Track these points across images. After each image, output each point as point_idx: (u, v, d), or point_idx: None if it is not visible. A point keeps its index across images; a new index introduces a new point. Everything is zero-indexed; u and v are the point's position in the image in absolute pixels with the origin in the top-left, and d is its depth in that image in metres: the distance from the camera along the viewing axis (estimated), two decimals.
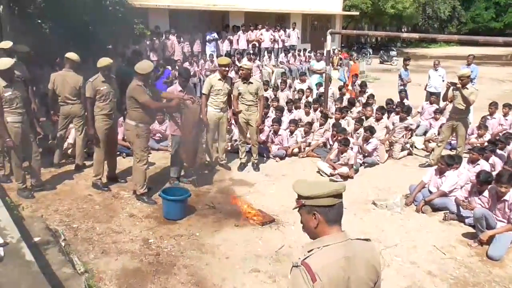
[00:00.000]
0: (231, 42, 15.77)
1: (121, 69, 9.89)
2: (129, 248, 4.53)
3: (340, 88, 11.01)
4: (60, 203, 5.49)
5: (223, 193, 6.18)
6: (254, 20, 16.83)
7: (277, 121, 8.09)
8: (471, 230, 5.20)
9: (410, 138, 8.63)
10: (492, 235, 4.84)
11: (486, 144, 7.88)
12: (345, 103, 9.98)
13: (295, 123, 8.23)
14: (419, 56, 30.49)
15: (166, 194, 5.21)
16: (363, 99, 10.39)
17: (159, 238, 4.79)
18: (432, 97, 10.23)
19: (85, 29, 8.39)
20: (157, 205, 5.54)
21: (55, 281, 3.52)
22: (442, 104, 9.80)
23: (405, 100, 10.22)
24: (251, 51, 14.91)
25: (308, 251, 1.83)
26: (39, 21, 8.39)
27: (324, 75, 12.30)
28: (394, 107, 9.37)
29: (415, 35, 8.71)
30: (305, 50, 17.33)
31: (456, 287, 4.21)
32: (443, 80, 10.81)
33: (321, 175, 7.05)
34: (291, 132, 8.10)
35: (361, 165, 7.45)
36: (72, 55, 6.42)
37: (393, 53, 24.89)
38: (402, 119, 8.31)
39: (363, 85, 11.10)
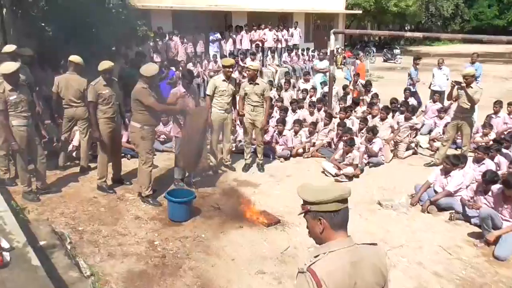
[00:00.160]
0: (234, 42, 15.76)
1: (125, 71, 9.94)
2: (134, 251, 4.53)
3: (344, 88, 10.98)
4: (66, 206, 5.51)
5: (228, 194, 6.18)
6: (257, 20, 16.82)
7: (282, 121, 8.07)
8: (477, 230, 5.17)
9: (415, 137, 8.59)
10: (499, 235, 4.82)
11: (491, 143, 7.85)
12: (349, 102, 9.96)
13: (299, 123, 8.22)
14: (423, 54, 30.18)
15: (171, 196, 5.22)
16: (367, 98, 10.37)
17: (165, 240, 4.80)
18: (435, 95, 10.19)
19: (88, 32, 8.40)
20: (162, 207, 5.55)
21: (61, 285, 3.54)
22: (446, 103, 9.76)
23: (410, 99, 10.18)
24: (254, 51, 14.91)
25: (315, 257, 1.83)
26: (43, 24, 8.42)
27: (327, 74, 12.33)
28: (399, 106, 9.32)
29: (419, 34, 8.66)
30: (308, 49, 17.30)
31: None
32: (447, 79, 10.76)
33: (326, 175, 7.04)
34: (296, 133, 8.09)
35: (366, 165, 7.43)
36: (75, 58, 6.44)
37: (397, 51, 24.77)
38: (407, 119, 8.27)
39: (368, 84, 11.05)
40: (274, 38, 16.36)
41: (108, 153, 6.01)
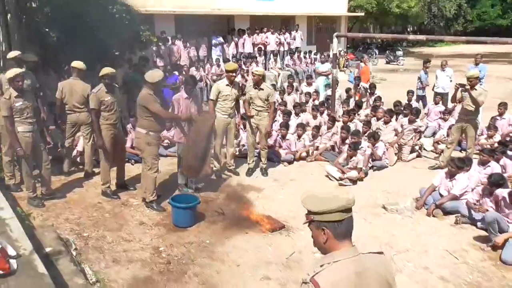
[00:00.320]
0: (236, 46, 15.79)
1: (128, 75, 9.96)
2: (139, 257, 4.53)
3: (347, 91, 10.97)
4: (70, 212, 5.52)
5: (232, 199, 6.18)
6: (259, 23, 16.84)
7: (285, 125, 8.07)
8: (483, 233, 5.15)
9: (418, 140, 8.56)
10: (507, 238, 4.79)
11: (496, 145, 7.82)
12: (352, 105, 9.94)
13: (302, 127, 8.21)
14: (426, 55, 30.22)
15: (176, 202, 5.22)
16: (371, 100, 10.35)
17: (169, 246, 4.79)
18: (437, 97, 10.15)
19: (92, 37, 8.42)
20: (167, 213, 5.55)
21: None
22: (450, 105, 9.73)
23: (417, 103, 10.16)
24: (257, 55, 14.93)
25: (320, 266, 1.82)
26: (47, 29, 8.44)
27: (330, 76, 12.33)
28: (402, 109, 9.30)
29: (422, 37, 8.67)
30: (310, 52, 17.30)
31: None
32: (451, 81, 10.73)
33: (330, 179, 7.02)
34: (299, 136, 8.08)
35: (370, 168, 7.42)
36: (78, 64, 6.46)
37: (399, 53, 24.73)
38: (411, 121, 8.25)
39: (372, 87, 11.04)
40: (277, 42, 16.38)
41: (110, 159, 6.02)
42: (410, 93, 10.33)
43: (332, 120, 8.49)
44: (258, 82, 6.73)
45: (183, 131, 6.08)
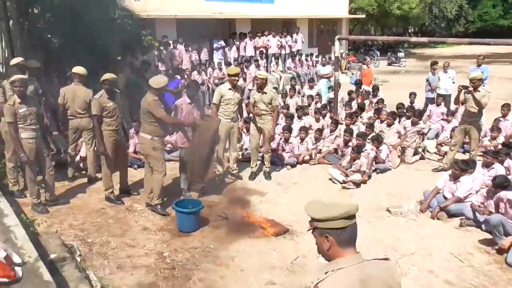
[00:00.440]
0: (238, 49, 15.81)
1: (130, 80, 9.98)
2: (144, 262, 4.52)
3: (349, 93, 10.96)
4: (74, 218, 5.52)
5: (235, 203, 6.17)
6: (261, 26, 16.87)
7: (288, 128, 8.06)
8: (489, 236, 5.12)
9: (421, 142, 8.54)
10: None
11: (499, 147, 7.79)
12: (354, 108, 9.93)
13: (305, 130, 8.20)
14: (427, 56, 30.26)
15: (179, 207, 5.21)
16: (374, 100, 10.33)
17: (174, 251, 4.79)
18: (439, 99, 10.12)
19: (94, 42, 8.45)
20: (170, 218, 5.54)
21: None
22: (453, 107, 9.70)
23: (415, 104, 10.12)
24: (259, 58, 14.95)
25: (324, 273, 1.81)
26: (49, 35, 8.48)
27: (332, 79, 12.33)
28: (405, 111, 9.28)
29: (425, 39, 8.65)
30: (311, 55, 17.32)
31: None
32: (453, 82, 10.72)
33: (334, 182, 7.01)
34: (302, 140, 8.07)
35: (373, 171, 7.40)
36: (79, 70, 6.47)
37: (401, 54, 24.72)
38: (414, 123, 8.23)
39: (375, 89, 11.03)
40: (278, 45, 16.39)
41: (112, 165, 6.01)
42: (412, 95, 10.30)
43: (335, 123, 8.49)
44: (262, 85, 6.74)
45: (186, 136, 6.08)
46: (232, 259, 4.66)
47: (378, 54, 24.47)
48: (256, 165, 7.19)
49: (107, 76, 5.83)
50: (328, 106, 9.77)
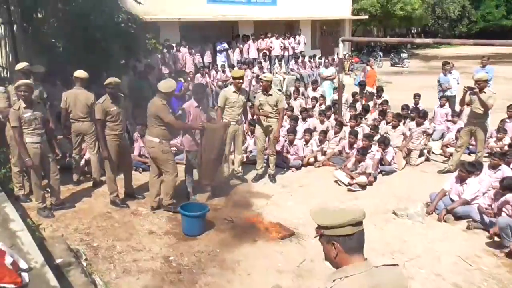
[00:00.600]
0: (241, 52, 15.81)
1: (134, 83, 10.00)
2: (150, 267, 4.51)
3: (353, 95, 10.92)
4: (80, 222, 5.51)
5: (241, 206, 6.15)
6: (264, 28, 16.86)
7: (292, 131, 8.04)
8: (496, 239, 5.08)
9: (427, 142, 8.49)
10: None
11: (506, 148, 7.75)
12: (359, 109, 9.90)
13: (310, 132, 8.18)
14: (431, 57, 30.23)
15: (185, 210, 5.20)
16: (378, 102, 10.29)
17: (180, 255, 4.77)
18: (442, 99, 10.06)
19: (98, 47, 8.46)
20: (176, 221, 5.52)
21: None
22: (457, 108, 9.65)
23: (420, 105, 10.07)
24: (262, 60, 14.94)
25: (332, 281, 1.79)
26: (53, 40, 8.49)
27: (335, 80, 12.30)
28: (409, 112, 9.24)
29: (429, 40, 8.61)
30: (314, 56, 17.30)
31: None
32: (457, 83, 10.66)
33: (339, 184, 6.98)
34: (306, 142, 8.05)
35: (379, 173, 7.37)
36: (80, 73, 6.46)
37: (404, 55, 24.66)
38: (418, 124, 8.20)
39: (379, 90, 10.99)
40: (281, 46, 16.38)
41: (116, 170, 6.01)
42: (417, 96, 10.26)
43: (340, 124, 8.46)
44: (267, 88, 6.73)
45: (194, 140, 6.10)
46: (238, 263, 4.64)
47: (381, 55, 24.41)
48: (262, 167, 7.17)
49: (111, 80, 5.82)
50: (332, 108, 9.74)
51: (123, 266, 4.51)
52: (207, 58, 14.73)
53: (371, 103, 10.51)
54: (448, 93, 10.60)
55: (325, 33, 21.61)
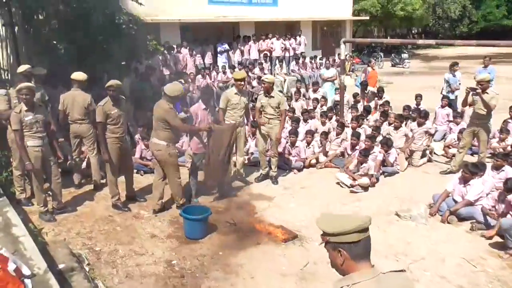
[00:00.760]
0: (242, 53, 15.79)
1: (135, 85, 10.00)
2: (153, 271, 4.48)
3: (354, 96, 10.90)
4: (82, 225, 5.48)
5: (243, 208, 6.13)
6: (264, 29, 16.84)
7: (294, 132, 8.01)
8: (500, 240, 5.05)
9: (430, 143, 8.47)
10: None
11: (509, 148, 7.73)
12: (360, 110, 9.87)
13: (311, 134, 8.15)
14: (431, 57, 30.21)
15: (187, 213, 5.17)
16: (379, 102, 10.27)
17: (182, 259, 4.74)
18: (443, 100, 10.02)
19: (100, 48, 8.44)
20: (178, 225, 5.50)
21: None
22: (459, 109, 9.62)
23: (421, 106, 10.03)
24: (263, 61, 14.92)
25: None
26: (54, 42, 8.47)
27: (336, 82, 12.27)
28: (411, 113, 9.20)
29: (432, 41, 8.55)
30: (315, 57, 17.27)
31: None
32: (459, 83, 10.63)
33: (341, 186, 6.95)
34: (308, 143, 8.02)
35: (381, 174, 7.34)
36: (77, 75, 6.42)
37: (405, 55, 24.64)
38: (420, 125, 8.19)
39: (380, 91, 10.97)
40: (282, 47, 16.36)
41: (117, 173, 5.99)
42: (418, 97, 10.23)
43: (341, 125, 8.43)
44: (268, 89, 6.71)
45: (202, 142, 6.12)
46: (241, 267, 4.61)
47: (382, 56, 24.38)
48: (266, 167, 7.14)
49: (112, 82, 5.79)
50: (334, 109, 9.72)
51: (126, 270, 4.48)
52: (208, 59, 14.71)
53: (372, 104, 10.48)
54: (450, 94, 10.57)
55: (326, 33, 21.58)
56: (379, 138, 7.92)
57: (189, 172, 6.32)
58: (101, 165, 6.59)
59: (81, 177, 6.81)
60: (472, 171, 5.79)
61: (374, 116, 9.63)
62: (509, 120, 8.63)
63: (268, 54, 15.64)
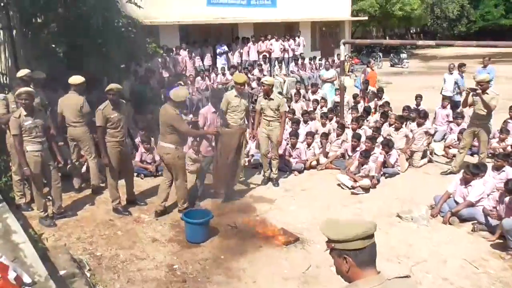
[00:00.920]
0: (241, 54, 15.78)
1: (135, 87, 9.95)
2: (154, 276, 4.46)
3: (354, 97, 10.88)
4: (82, 230, 5.46)
5: (244, 211, 6.10)
6: (263, 30, 16.82)
7: (294, 134, 7.99)
8: (501, 240, 5.03)
9: (429, 144, 8.46)
10: None
11: (509, 148, 7.72)
12: (360, 111, 9.85)
13: (312, 135, 8.13)
14: (430, 57, 30.22)
15: (188, 217, 5.15)
16: (379, 103, 10.26)
17: (184, 263, 4.72)
18: (446, 101, 10.01)
19: (99, 52, 8.42)
20: (179, 228, 5.48)
21: None
22: (459, 109, 9.60)
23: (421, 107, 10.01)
24: (262, 62, 14.91)
25: None
26: (53, 45, 8.44)
27: (335, 83, 12.26)
28: (410, 113, 9.18)
29: (432, 42, 8.56)
30: (314, 58, 17.26)
31: None
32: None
33: (342, 188, 6.93)
34: (308, 145, 8.00)
35: (382, 175, 7.33)
36: (73, 80, 6.39)
37: (404, 55, 24.63)
38: (419, 125, 8.18)
39: (380, 91, 10.95)
40: (281, 48, 16.34)
41: (117, 177, 5.97)
42: (418, 97, 10.21)
43: (341, 127, 8.41)
44: (268, 92, 6.69)
45: (210, 145, 6.15)
46: (243, 271, 4.59)
47: (381, 56, 24.37)
48: (268, 169, 7.12)
49: (112, 86, 5.76)
50: (334, 110, 9.70)
51: (127, 275, 4.46)
52: (207, 61, 14.69)
53: (372, 104, 10.47)
54: (448, 93, 10.57)
55: (325, 34, 21.56)
56: (380, 139, 7.91)
57: (197, 175, 6.31)
58: (101, 169, 6.57)
59: (81, 181, 6.78)
60: (474, 172, 5.78)
61: (374, 117, 9.62)
62: (509, 120, 8.63)
63: (267, 55, 15.62)
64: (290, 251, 5.02)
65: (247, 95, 6.93)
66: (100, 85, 8.00)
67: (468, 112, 8.45)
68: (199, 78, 12.60)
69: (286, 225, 5.58)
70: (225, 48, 15.13)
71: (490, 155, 7.58)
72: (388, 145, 7.45)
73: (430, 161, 8.16)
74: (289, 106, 10.32)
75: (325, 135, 8.34)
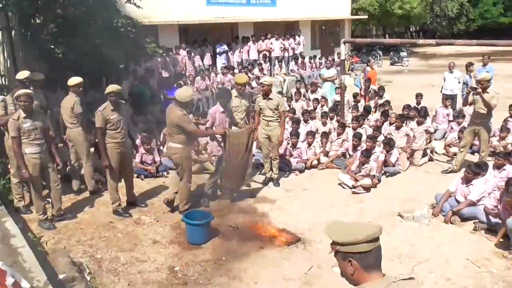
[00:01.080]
0: (241, 53, 15.74)
1: (134, 87, 9.95)
2: (155, 278, 4.43)
3: (354, 96, 10.85)
4: (82, 233, 5.42)
5: (245, 212, 6.07)
6: (263, 30, 16.77)
7: (295, 133, 7.96)
8: (505, 240, 5.00)
9: (429, 143, 8.43)
10: None
11: (509, 147, 7.69)
12: (360, 110, 9.82)
13: (312, 134, 8.10)
14: (430, 55, 30.17)
15: (189, 219, 5.12)
16: (379, 102, 10.23)
17: (185, 265, 4.69)
18: (447, 100, 9.98)
19: (98, 52, 8.38)
20: (180, 230, 5.45)
21: None
22: (458, 107, 9.58)
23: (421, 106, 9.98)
24: (262, 61, 14.88)
25: None
26: (52, 46, 8.41)
27: (336, 81, 12.23)
28: (410, 112, 9.15)
29: (432, 41, 8.52)
30: (314, 57, 17.23)
31: None
32: (459, 82, 10.61)
33: (343, 187, 6.91)
34: (309, 144, 7.97)
35: (383, 174, 7.31)
36: (70, 81, 6.35)
37: (404, 54, 24.60)
38: (419, 123, 8.16)
39: (380, 89, 10.92)
40: (281, 47, 16.31)
41: (117, 178, 5.94)
42: (419, 96, 10.18)
43: (342, 126, 8.38)
44: (267, 92, 6.66)
45: (219, 145, 6.15)
46: (245, 272, 4.56)
47: (381, 54, 24.34)
48: (270, 170, 7.10)
49: (113, 88, 5.72)
50: (335, 109, 9.67)
51: (128, 278, 4.42)
52: (207, 60, 14.65)
53: (372, 103, 10.44)
54: (449, 92, 10.54)
55: (325, 33, 21.52)
56: (380, 138, 7.89)
57: (210, 175, 6.39)
58: (101, 170, 6.54)
59: (80, 183, 6.73)
60: (475, 171, 5.76)
61: (375, 116, 9.59)
62: (509, 119, 8.60)
63: (267, 55, 15.58)
64: (291, 251, 4.99)
65: (247, 95, 6.90)
66: (99, 85, 7.98)
67: (468, 110, 8.43)
68: (198, 78, 12.56)
69: (287, 226, 5.56)
70: (225, 47, 15.09)
71: (490, 153, 7.55)
72: (389, 144, 7.43)
73: (430, 159, 8.14)
74: (289, 105, 10.31)
75: (326, 135, 8.31)
